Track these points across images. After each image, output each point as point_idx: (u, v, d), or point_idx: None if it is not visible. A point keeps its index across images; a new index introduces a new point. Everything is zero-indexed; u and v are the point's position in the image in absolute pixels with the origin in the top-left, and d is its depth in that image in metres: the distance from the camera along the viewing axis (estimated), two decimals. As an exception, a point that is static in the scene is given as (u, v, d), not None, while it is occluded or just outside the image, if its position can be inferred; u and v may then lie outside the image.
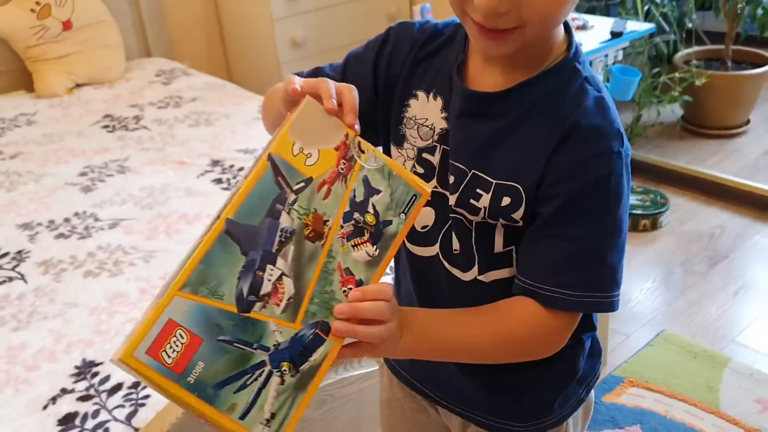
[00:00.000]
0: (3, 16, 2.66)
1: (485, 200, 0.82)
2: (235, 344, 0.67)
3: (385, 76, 0.91)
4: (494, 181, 0.81)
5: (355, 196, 0.74)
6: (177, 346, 0.65)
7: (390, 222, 0.76)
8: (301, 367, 0.69)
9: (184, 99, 2.57)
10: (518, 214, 0.81)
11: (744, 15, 3.00)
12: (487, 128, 0.82)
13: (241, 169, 2.01)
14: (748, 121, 3.20)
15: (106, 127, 2.38)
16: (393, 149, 0.91)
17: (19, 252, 1.68)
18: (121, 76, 2.83)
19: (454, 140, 0.84)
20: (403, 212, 0.76)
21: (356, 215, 0.74)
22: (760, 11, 2.91)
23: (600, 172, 0.78)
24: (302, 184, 0.72)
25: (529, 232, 0.82)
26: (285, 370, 0.69)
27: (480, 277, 0.87)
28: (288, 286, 0.70)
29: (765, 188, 2.66)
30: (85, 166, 2.10)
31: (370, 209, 0.75)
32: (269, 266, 0.69)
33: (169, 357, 0.64)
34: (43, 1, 2.69)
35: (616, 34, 2.48)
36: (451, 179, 0.84)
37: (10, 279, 1.58)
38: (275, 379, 0.68)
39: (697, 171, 2.82)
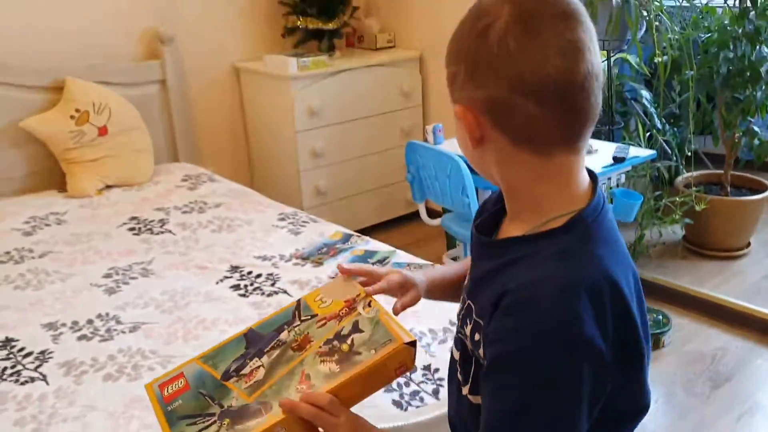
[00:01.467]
0: (45, 120, 2.85)
1: (468, 329, 0.90)
2: (206, 396, 0.98)
3: None
4: (474, 316, 0.89)
5: (342, 330, 0.99)
6: (175, 387, 1.00)
7: (359, 353, 0.95)
8: (236, 427, 0.92)
9: (209, 204, 2.71)
10: (481, 351, 0.86)
11: (741, 144, 3.15)
12: (482, 269, 0.91)
13: (258, 275, 2.10)
14: (749, 244, 3.30)
15: (132, 229, 2.50)
16: None
17: (42, 352, 1.76)
18: (149, 179, 3.00)
19: (469, 275, 0.97)
20: (374, 349, 0.94)
21: (335, 342, 0.98)
22: (756, 141, 3.05)
23: (506, 348, 0.79)
24: (308, 317, 1.04)
25: None
26: (225, 424, 0.93)
27: (469, 396, 0.93)
28: (260, 373, 0.97)
29: (766, 312, 2.72)
30: (110, 267, 2.21)
31: (349, 341, 0.97)
32: (255, 359, 1.00)
33: (167, 392, 1.00)
34: (83, 108, 2.88)
35: (618, 159, 2.62)
36: (462, 303, 0.96)
37: (32, 380, 1.65)
38: (214, 428, 0.93)
39: (699, 292, 2.89)
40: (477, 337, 0.87)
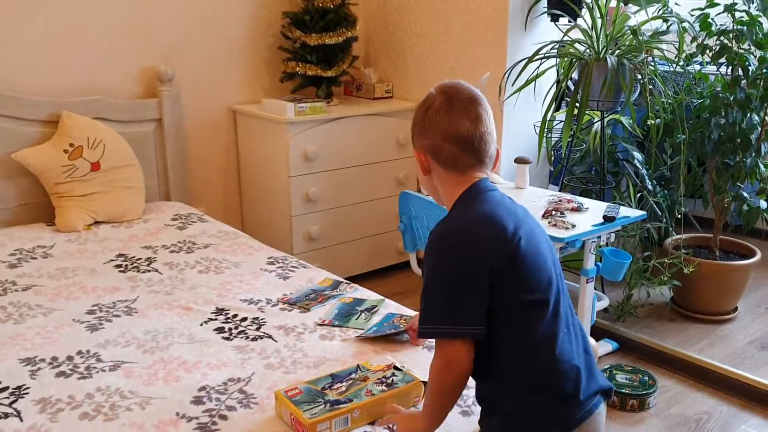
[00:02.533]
0: (38, 153, 2.85)
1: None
2: (313, 393, 1.59)
3: None
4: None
5: (386, 374, 1.69)
6: (294, 391, 1.59)
7: (397, 384, 1.64)
8: (333, 408, 1.55)
9: (197, 245, 2.70)
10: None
11: (731, 209, 3.18)
12: None
13: (244, 319, 2.08)
14: (736, 309, 3.30)
15: (118, 266, 2.49)
16: None
17: (19, 387, 1.72)
18: (139, 216, 2.99)
19: None
20: (404, 383, 1.65)
21: (383, 379, 1.67)
22: (745, 207, 3.08)
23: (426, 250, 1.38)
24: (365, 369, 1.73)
25: None
26: (326, 406, 1.54)
27: None
28: (342, 389, 1.62)
29: (752, 378, 2.70)
30: (93, 304, 2.18)
31: (390, 380, 1.66)
32: (338, 383, 1.63)
33: (290, 393, 1.58)
34: (77, 143, 2.89)
35: (609, 219, 2.63)
36: None
37: (6, 415, 1.61)
38: (320, 408, 1.53)
39: (685, 354, 2.88)
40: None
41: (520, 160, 3.04)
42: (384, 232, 3.67)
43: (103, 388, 1.71)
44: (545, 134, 3.13)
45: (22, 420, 1.59)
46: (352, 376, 1.65)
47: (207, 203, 3.50)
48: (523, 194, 3.03)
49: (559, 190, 3.22)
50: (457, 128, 1.37)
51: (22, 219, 2.93)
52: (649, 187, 3.24)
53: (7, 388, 1.72)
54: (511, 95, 3.19)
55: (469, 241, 1.32)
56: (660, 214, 3.26)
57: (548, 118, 3.07)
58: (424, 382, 1.63)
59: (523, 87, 3.14)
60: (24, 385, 1.73)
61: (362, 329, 2.03)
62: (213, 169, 3.58)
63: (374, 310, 2.16)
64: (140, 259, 2.56)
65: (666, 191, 3.38)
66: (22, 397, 1.68)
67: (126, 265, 2.50)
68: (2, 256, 2.56)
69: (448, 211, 1.44)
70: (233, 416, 1.59)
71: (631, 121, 3.29)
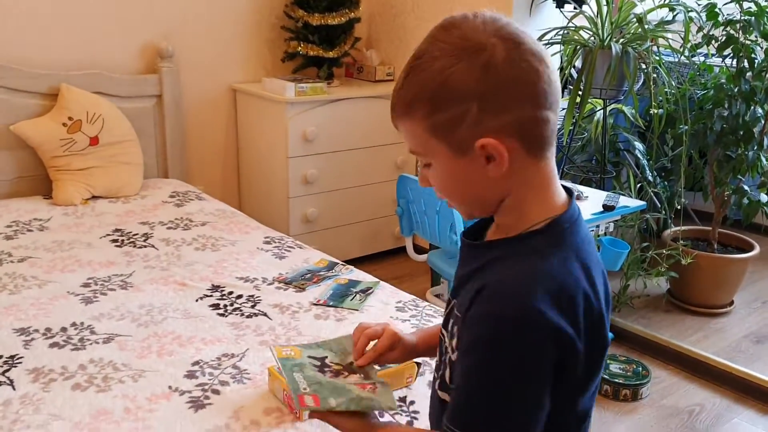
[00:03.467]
0: (37, 125, 2.84)
1: (449, 326, 0.99)
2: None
3: None
4: (455, 311, 0.96)
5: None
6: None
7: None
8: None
9: (194, 222, 2.69)
10: (455, 343, 0.95)
11: (730, 202, 3.17)
12: (467, 269, 0.98)
13: (239, 296, 2.07)
14: (732, 302, 3.30)
15: (114, 241, 2.47)
16: None
17: (12, 357, 1.72)
18: (136, 192, 2.97)
19: (454, 278, 1.03)
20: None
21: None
22: (745, 200, 3.07)
23: (479, 332, 0.88)
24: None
25: None
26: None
27: (438, 392, 1.01)
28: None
29: (745, 371, 2.71)
30: (89, 277, 2.17)
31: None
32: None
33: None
34: (76, 117, 2.87)
35: (608, 208, 2.62)
36: (444, 308, 1.06)
37: (-1, 383, 1.61)
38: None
39: (680, 346, 2.88)
40: (455, 329, 0.95)
41: (520, 147, 3.02)
42: (381, 216, 3.66)
43: (96, 360, 1.70)
44: (547, 122, 3.11)
45: (14, 389, 1.58)
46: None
47: (205, 182, 3.48)
48: (523, 181, 3.02)
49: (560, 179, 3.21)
50: (550, 82, 0.88)
51: (20, 191, 2.91)
52: (650, 177, 3.23)
53: (1, 357, 1.71)
54: (514, 81, 3.17)
55: None
56: (659, 205, 3.25)
57: (550, 106, 3.05)
58: (418, 364, 1.62)
59: (526, 73, 3.12)
60: (17, 354, 1.72)
61: (357, 310, 2.03)
62: (212, 148, 3.56)
63: (369, 291, 2.16)
64: (137, 234, 2.55)
65: (666, 182, 3.37)
66: (15, 367, 1.67)
67: (122, 240, 2.49)
68: (-2, 227, 2.55)
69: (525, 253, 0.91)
70: (226, 391, 1.58)
71: (633, 111, 3.27)
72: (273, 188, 3.42)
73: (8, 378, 1.63)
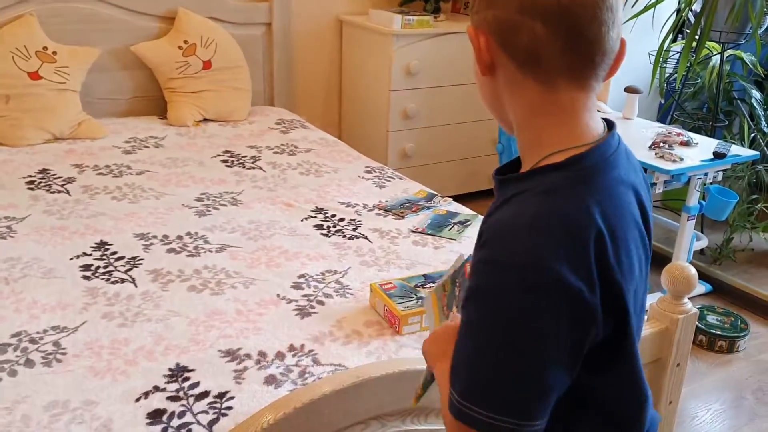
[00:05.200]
0: (155, 47, 2.96)
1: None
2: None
3: None
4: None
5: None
6: (388, 285, 1.61)
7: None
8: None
9: (299, 149, 2.77)
10: None
11: None
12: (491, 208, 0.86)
13: (341, 219, 2.14)
14: (844, 264, 3.15)
15: (225, 161, 2.58)
16: None
17: (133, 258, 1.85)
18: (245, 118, 3.08)
19: None
20: None
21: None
22: None
23: (472, 282, 0.77)
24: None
25: None
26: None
27: None
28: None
29: None
30: (201, 192, 2.29)
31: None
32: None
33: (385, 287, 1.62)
34: (191, 41, 2.97)
35: (719, 155, 2.54)
36: None
37: (122, 281, 1.74)
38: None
39: (783, 303, 2.79)
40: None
41: (630, 89, 2.94)
42: (479, 155, 3.65)
43: (210, 266, 1.81)
44: (660, 65, 3.01)
45: (136, 286, 1.71)
46: (443, 277, 1.68)
47: (308, 111, 3.55)
48: (631, 125, 2.95)
49: (668, 125, 3.11)
50: None
51: (136, 110, 3.06)
52: (765, 128, 3.09)
53: (123, 257, 1.85)
54: (628, 20, 3.06)
55: None
56: (773, 157, 3.11)
57: (665, 48, 2.95)
58: None
59: (641, 13, 3.01)
60: (138, 256, 1.85)
61: (455, 239, 2.06)
62: (316, 78, 3.62)
63: (467, 223, 2.18)
64: (245, 156, 2.65)
65: (783, 134, 3.21)
66: (137, 267, 1.80)
67: (232, 161, 2.59)
68: (118, 142, 2.70)
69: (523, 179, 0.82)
70: (329, 303, 1.66)
71: (753, 58, 3.11)
72: (373, 121, 3.46)
73: (130, 276, 1.76)
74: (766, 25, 2.88)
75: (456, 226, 2.16)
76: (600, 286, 0.74)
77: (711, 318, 2.66)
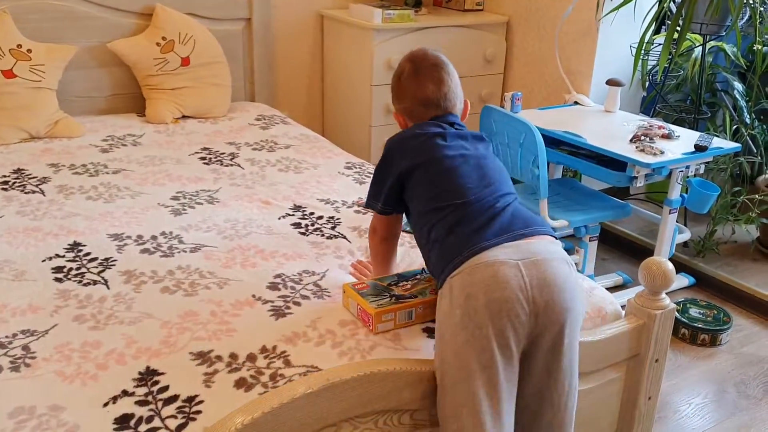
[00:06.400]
0: (132, 44, 2.92)
1: None
2: (379, 287, 1.62)
3: None
4: None
5: None
6: (361, 285, 1.62)
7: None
8: (399, 301, 1.58)
9: (279, 145, 2.74)
10: None
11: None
12: None
13: (320, 217, 2.12)
14: (827, 255, 3.15)
15: (203, 158, 2.56)
16: None
17: (107, 259, 1.82)
18: (224, 114, 3.05)
19: None
20: None
21: None
22: None
23: None
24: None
25: None
26: (391, 299, 1.57)
27: None
28: (407, 287, 1.64)
29: (834, 325, 2.61)
30: (178, 191, 2.26)
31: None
32: (404, 282, 1.66)
33: (357, 287, 1.61)
34: (169, 37, 2.94)
35: (700, 148, 2.53)
36: None
37: (95, 282, 1.71)
38: (385, 300, 1.57)
39: (765, 295, 2.78)
40: None
41: (612, 82, 2.93)
42: (463, 149, 3.62)
43: (183, 267, 1.79)
44: (641, 57, 3.00)
45: (108, 288, 1.69)
46: (418, 277, 1.67)
47: (290, 107, 3.53)
48: (613, 118, 2.93)
49: (651, 118, 3.10)
50: (424, 92, 1.60)
51: (115, 108, 3.03)
52: (747, 120, 3.08)
53: (96, 258, 1.82)
54: (609, 13, 3.04)
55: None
56: (755, 149, 3.10)
57: (646, 40, 2.93)
58: None
59: (622, 5, 2.99)
60: (111, 257, 1.83)
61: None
62: (298, 74, 3.59)
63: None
64: (224, 153, 2.62)
65: (764, 126, 3.20)
66: (110, 268, 1.77)
67: (210, 158, 2.57)
68: (95, 140, 2.67)
69: None
70: (306, 304, 1.64)
71: (734, 50, 3.10)
72: (356, 116, 3.44)
73: (103, 278, 1.73)
74: (746, 17, 2.87)
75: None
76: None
77: (693, 311, 2.65)
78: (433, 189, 1.52)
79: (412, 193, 1.56)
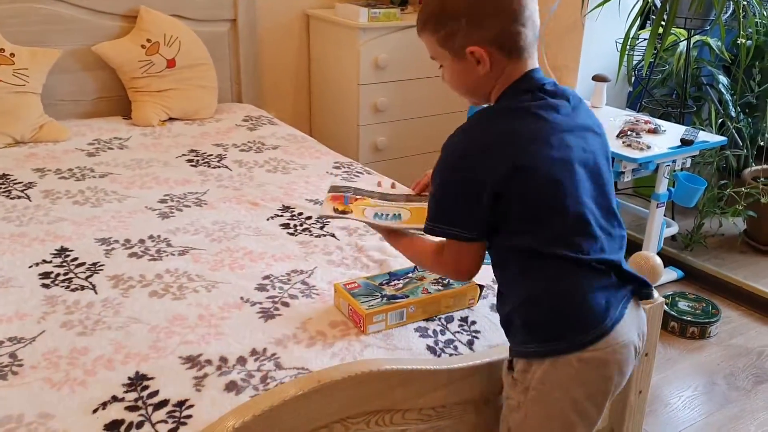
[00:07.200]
0: (117, 47, 2.91)
1: None
2: (371, 287, 1.62)
3: None
4: None
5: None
6: (353, 285, 1.61)
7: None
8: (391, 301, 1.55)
9: (266, 146, 2.73)
10: None
11: (820, 141, 3.02)
12: None
13: (308, 218, 2.12)
14: (813, 246, 3.17)
15: (190, 161, 2.55)
16: None
17: (94, 264, 1.81)
18: (211, 116, 3.04)
19: None
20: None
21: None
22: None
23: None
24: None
25: None
26: (384, 299, 1.55)
27: None
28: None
29: (822, 315, 2.63)
30: (165, 194, 2.25)
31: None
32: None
33: (348, 287, 1.60)
34: (154, 39, 2.92)
35: (686, 142, 2.54)
36: None
37: (82, 288, 1.70)
38: (377, 301, 1.55)
39: (753, 287, 2.80)
40: None
41: (598, 78, 2.93)
42: (451, 147, 3.63)
43: (171, 270, 1.78)
44: (627, 52, 3.01)
45: (96, 293, 1.68)
46: (410, 275, 1.67)
47: (277, 107, 3.52)
48: (599, 113, 2.94)
49: (637, 113, 3.11)
50: (523, 4, 1.18)
51: (101, 111, 3.01)
52: (732, 113, 3.10)
53: (84, 263, 1.81)
54: (594, 8, 3.05)
55: None
56: (741, 142, 3.12)
57: (631, 35, 2.94)
58: (481, 286, 1.64)
59: (607, 0, 3.00)
60: (99, 262, 1.82)
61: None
62: (285, 74, 3.58)
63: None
64: (211, 155, 2.61)
65: (750, 119, 3.22)
66: (97, 273, 1.76)
67: (197, 160, 2.55)
68: (81, 144, 2.66)
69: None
70: (294, 304, 1.64)
71: (719, 44, 3.12)
72: (343, 116, 3.43)
73: (91, 283, 1.72)
74: (729, 11, 2.88)
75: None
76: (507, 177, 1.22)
77: (682, 304, 2.67)
78: (532, 210, 1.19)
79: (506, 213, 1.19)
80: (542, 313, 1.20)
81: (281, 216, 2.13)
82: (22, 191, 2.24)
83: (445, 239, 1.26)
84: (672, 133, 2.67)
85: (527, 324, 1.22)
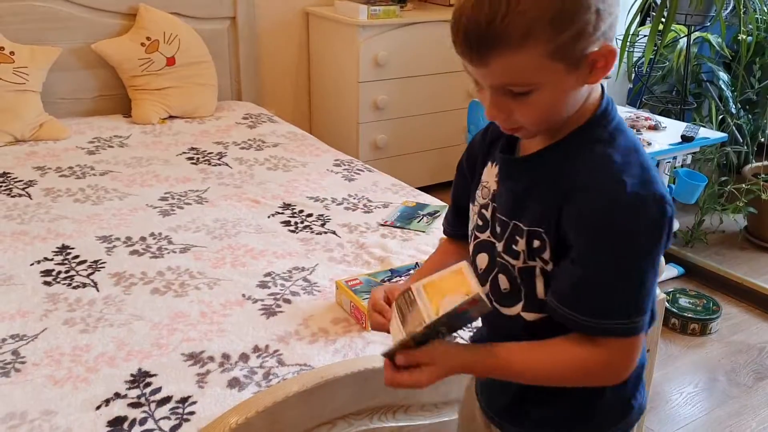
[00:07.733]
0: (116, 45, 2.90)
1: (522, 244, 0.94)
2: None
3: (472, 162, 1.11)
4: (525, 228, 0.93)
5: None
6: (355, 282, 1.61)
7: None
8: None
9: (267, 143, 2.73)
10: (547, 255, 0.92)
11: (820, 137, 3.02)
12: (523, 183, 0.95)
13: (309, 215, 2.12)
14: (813, 242, 3.18)
15: (190, 159, 2.54)
16: (470, 206, 1.08)
17: (96, 262, 1.81)
18: (211, 114, 3.03)
19: (499, 197, 0.99)
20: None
21: None
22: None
23: (599, 222, 0.85)
24: None
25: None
26: None
27: (522, 314, 0.97)
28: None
29: (822, 311, 2.63)
30: (166, 191, 2.25)
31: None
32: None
33: (350, 284, 1.60)
34: (153, 37, 2.92)
35: (687, 139, 2.54)
36: (498, 230, 0.98)
37: (84, 285, 1.70)
38: None
39: (753, 284, 2.80)
40: (536, 244, 0.92)
41: (597, 75, 2.93)
42: (451, 145, 3.62)
43: (173, 268, 1.78)
44: (627, 49, 3.01)
45: (98, 291, 1.68)
46: (411, 272, 1.67)
47: (277, 105, 3.52)
48: (598, 110, 2.94)
49: (637, 109, 3.11)
50: None
51: (101, 110, 3.01)
52: (733, 110, 3.10)
53: (85, 261, 1.81)
54: (594, 6, 3.05)
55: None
56: (741, 139, 3.12)
57: (631, 32, 2.94)
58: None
59: (607, -2, 3.00)
60: (100, 260, 1.82)
61: (423, 232, 2.04)
62: (284, 72, 3.58)
63: (436, 215, 2.17)
64: (211, 153, 2.61)
65: (750, 116, 3.22)
66: (99, 271, 1.76)
67: (198, 158, 2.55)
68: (82, 143, 2.65)
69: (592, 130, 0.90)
70: (296, 301, 1.64)
71: (719, 40, 3.12)
72: (343, 113, 3.43)
73: (92, 280, 1.72)
74: (730, 7, 2.88)
75: (425, 218, 2.14)
76: None
77: (683, 301, 2.67)
78: None
79: None
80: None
81: (282, 213, 2.13)
82: (22, 189, 2.24)
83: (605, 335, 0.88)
84: (672, 129, 2.67)
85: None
